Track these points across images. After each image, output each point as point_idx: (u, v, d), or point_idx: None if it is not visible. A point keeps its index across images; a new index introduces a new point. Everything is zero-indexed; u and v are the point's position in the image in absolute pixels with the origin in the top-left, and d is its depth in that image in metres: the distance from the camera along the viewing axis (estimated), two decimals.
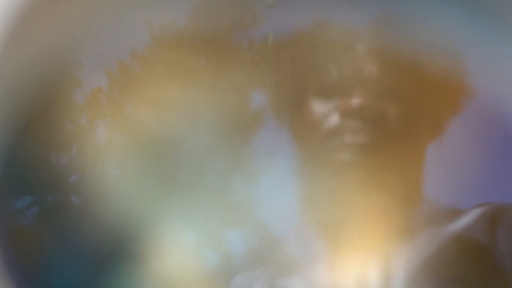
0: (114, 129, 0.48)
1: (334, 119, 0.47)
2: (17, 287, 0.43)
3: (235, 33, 0.49)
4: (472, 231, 0.45)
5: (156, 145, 0.47)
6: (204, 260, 0.47)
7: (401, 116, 0.47)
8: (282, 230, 0.48)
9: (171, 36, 0.48)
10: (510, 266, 0.44)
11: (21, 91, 0.45)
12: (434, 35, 0.47)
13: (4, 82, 0.44)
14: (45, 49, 0.45)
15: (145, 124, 0.48)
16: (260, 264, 0.47)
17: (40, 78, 0.46)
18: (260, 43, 0.49)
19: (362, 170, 0.47)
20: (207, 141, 0.48)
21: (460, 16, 0.47)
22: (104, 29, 0.47)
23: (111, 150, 0.47)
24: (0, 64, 0.43)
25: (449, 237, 0.45)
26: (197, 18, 0.48)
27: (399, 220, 0.47)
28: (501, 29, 0.46)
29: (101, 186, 0.46)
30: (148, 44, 0.48)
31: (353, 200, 0.47)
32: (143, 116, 0.48)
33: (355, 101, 0.47)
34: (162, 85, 0.48)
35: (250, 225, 0.47)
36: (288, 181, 0.48)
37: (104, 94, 0.48)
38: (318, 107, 0.48)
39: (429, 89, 0.48)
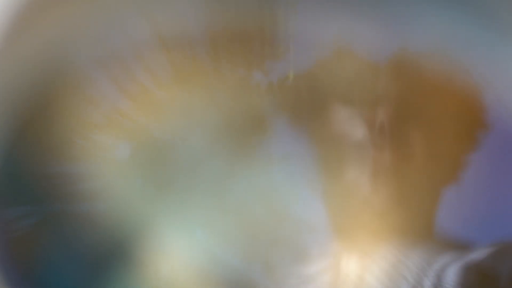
0: (111, 131, 0.48)
1: (359, 134, 0.47)
2: None
3: (239, 37, 0.49)
4: (492, 262, 0.45)
5: (153, 147, 0.47)
6: (201, 262, 0.46)
7: (426, 142, 0.47)
8: (281, 232, 0.47)
9: (171, 38, 0.48)
10: None
11: (18, 93, 0.45)
12: (432, 39, 0.47)
13: (2, 82, 0.44)
14: (43, 50, 0.46)
15: (143, 126, 0.48)
16: (258, 266, 0.46)
17: (38, 79, 0.46)
18: (262, 44, 0.49)
19: (381, 199, 0.47)
20: (205, 143, 0.47)
21: (460, 20, 0.46)
22: (103, 30, 0.47)
23: (108, 151, 0.47)
24: None
25: (467, 266, 0.45)
26: (198, 20, 0.48)
27: (417, 244, 0.47)
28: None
29: (98, 188, 0.46)
30: (148, 45, 0.48)
31: (362, 216, 0.47)
32: (141, 117, 0.48)
33: (383, 116, 0.47)
34: (161, 87, 0.48)
35: (249, 227, 0.47)
36: (287, 184, 0.48)
37: (102, 95, 0.48)
38: (341, 120, 0.48)
39: (451, 117, 0.48)
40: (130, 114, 0.47)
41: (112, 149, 0.47)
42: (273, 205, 0.47)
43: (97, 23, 0.47)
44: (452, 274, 0.44)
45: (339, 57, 0.49)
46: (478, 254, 0.46)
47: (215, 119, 0.47)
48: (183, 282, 0.46)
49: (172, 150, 0.47)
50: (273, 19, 0.48)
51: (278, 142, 0.48)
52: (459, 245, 0.47)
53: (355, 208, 0.47)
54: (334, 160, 0.48)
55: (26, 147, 0.46)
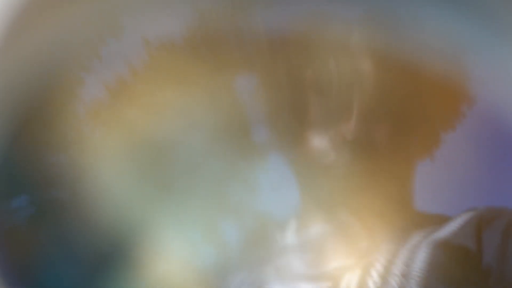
0: (110, 132, 0.47)
1: (334, 136, 0.48)
2: None
3: (230, 34, 0.48)
4: (459, 237, 0.46)
5: (151, 149, 0.47)
6: (199, 264, 0.47)
7: (394, 132, 0.48)
8: (279, 234, 0.48)
9: (167, 39, 0.48)
10: (496, 269, 0.45)
11: (16, 92, 0.44)
12: (430, 39, 0.46)
13: (1, 81, 0.43)
14: (40, 51, 0.45)
15: (140, 127, 0.47)
16: (256, 268, 0.47)
17: (35, 80, 0.46)
18: (255, 43, 0.48)
19: (358, 177, 0.48)
20: (203, 145, 0.48)
21: (460, 19, 0.45)
22: (99, 33, 0.47)
23: (106, 153, 0.47)
24: None
25: (436, 243, 0.46)
26: (192, 21, 0.47)
27: (392, 224, 0.48)
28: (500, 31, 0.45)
29: (97, 189, 0.46)
30: (144, 47, 0.48)
31: (348, 204, 0.48)
32: (138, 119, 0.47)
33: (352, 118, 0.47)
34: (158, 89, 0.47)
35: (247, 229, 0.48)
36: (285, 186, 0.48)
37: (99, 97, 0.48)
38: (319, 119, 0.48)
39: (424, 99, 0.48)
40: (129, 116, 0.47)
41: (110, 150, 0.47)
42: (272, 206, 0.48)
43: (92, 26, 0.46)
44: (422, 255, 0.46)
45: (315, 25, 0.48)
46: (447, 230, 0.47)
47: (213, 120, 0.47)
48: (180, 282, 0.46)
49: (171, 152, 0.47)
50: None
51: (277, 143, 0.49)
52: (432, 220, 0.48)
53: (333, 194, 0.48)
54: (319, 156, 0.49)
55: (25, 146, 0.46)
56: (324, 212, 0.48)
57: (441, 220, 0.48)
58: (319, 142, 0.48)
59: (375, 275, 0.45)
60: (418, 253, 0.45)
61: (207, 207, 0.47)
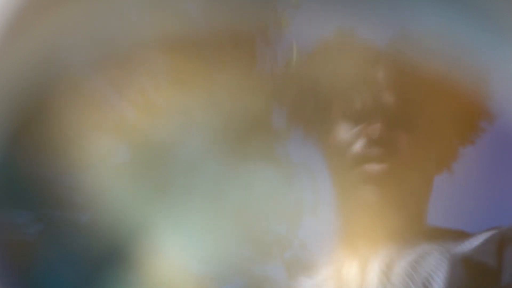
0: (108, 134, 0.47)
1: (356, 148, 0.48)
2: None
3: (236, 37, 0.48)
4: (480, 254, 0.45)
5: (150, 150, 0.47)
6: (198, 265, 0.47)
7: (413, 144, 0.48)
8: (277, 236, 0.48)
9: (167, 39, 0.48)
10: None
11: (16, 95, 0.45)
12: (454, 51, 0.47)
13: (1, 83, 0.44)
14: (38, 53, 0.45)
15: (140, 128, 0.47)
16: (254, 269, 0.47)
17: (33, 81, 0.45)
18: (279, 53, 0.49)
19: (374, 187, 0.48)
20: (202, 146, 0.47)
21: (483, 35, 0.45)
22: (98, 32, 0.47)
23: (104, 154, 0.47)
24: None
25: (456, 259, 0.45)
26: (194, 21, 0.48)
27: (408, 238, 0.48)
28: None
29: (95, 190, 0.46)
30: (143, 47, 0.48)
31: (362, 216, 0.48)
32: (138, 120, 0.47)
33: (375, 130, 0.48)
34: (158, 90, 0.48)
35: (245, 231, 0.47)
36: (284, 188, 0.48)
37: (100, 97, 0.48)
38: (342, 131, 0.49)
39: (445, 112, 0.48)
40: (129, 116, 0.47)
41: (110, 151, 0.47)
42: (271, 207, 0.48)
43: (95, 25, 0.46)
44: (441, 268, 0.45)
45: (339, 48, 0.48)
46: (467, 246, 0.46)
47: (213, 121, 0.47)
48: (179, 284, 0.46)
49: (169, 153, 0.47)
50: (273, 14, 0.48)
51: (277, 144, 0.49)
52: (450, 235, 0.48)
53: (354, 208, 0.48)
54: (333, 162, 0.49)
55: (24, 148, 0.46)
56: (331, 215, 0.48)
57: (456, 235, 0.47)
58: (340, 147, 0.49)
59: (378, 273, 0.45)
60: (428, 259, 0.45)
61: (205, 209, 0.47)
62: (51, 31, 0.45)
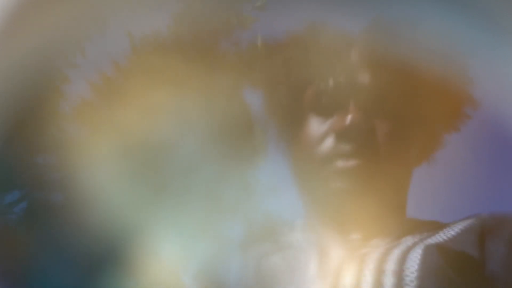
0: (104, 135, 0.47)
1: (328, 142, 0.47)
2: None
3: (223, 37, 0.48)
4: (459, 243, 0.45)
5: (146, 151, 0.47)
6: (194, 266, 0.47)
7: (393, 135, 0.47)
8: (275, 237, 0.48)
9: (159, 41, 0.48)
10: (502, 276, 0.44)
11: (8, 93, 0.45)
12: (431, 41, 0.46)
13: None
14: (30, 55, 0.45)
15: (135, 130, 0.47)
16: (252, 269, 0.47)
17: (27, 81, 0.45)
18: (250, 47, 0.48)
19: (357, 180, 0.47)
20: (198, 147, 0.47)
21: (459, 21, 0.45)
22: (92, 35, 0.47)
23: (100, 155, 0.47)
24: None
25: (431, 246, 0.45)
26: (183, 23, 0.48)
27: (386, 226, 0.48)
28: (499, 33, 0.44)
29: (91, 191, 0.46)
30: (136, 49, 0.48)
31: (346, 207, 0.48)
32: (133, 122, 0.47)
33: (349, 120, 0.47)
34: (151, 91, 0.47)
35: (241, 232, 0.48)
36: (280, 188, 0.48)
37: (94, 99, 0.48)
38: (315, 126, 0.48)
39: (424, 102, 0.48)
40: (125, 118, 0.47)
41: (104, 152, 0.47)
42: (267, 208, 0.48)
43: (90, 26, 0.46)
44: (415, 257, 0.45)
45: (313, 30, 0.48)
46: (443, 236, 0.46)
47: (209, 123, 0.47)
48: (175, 284, 0.46)
49: (165, 154, 0.47)
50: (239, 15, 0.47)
51: (270, 145, 0.49)
52: (427, 226, 0.48)
53: (336, 205, 0.48)
54: (307, 159, 0.49)
55: (16, 148, 0.46)
56: (321, 213, 0.49)
57: (437, 226, 0.47)
58: (317, 142, 0.48)
59: (367, 273, 0.45)
60: (411, 254, 0.45)
61: (201, 209, 0.47)
62: (46, 32, 0.45)
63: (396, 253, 0.45)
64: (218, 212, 0.47)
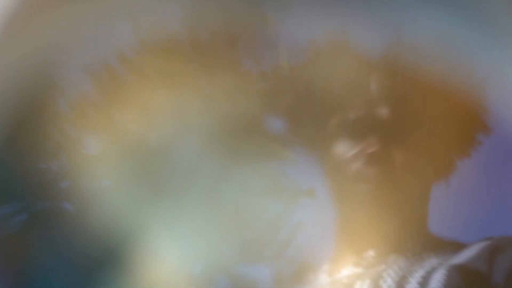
0: (103, 136, 0.47)
1: (355, 157, 0.48)
2: None
3: (229, 40, 0.48)
4: (474, 262, 0.46)
5: (145, 152, 0.47)
6: (193, 269, 0.47)
7: (414, 153, 0.48)
8: (274, 238, 0.48)
9: (160, 42, 0.48)
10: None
11: (8, 97, 0.45)
12: (454, 57, 0.47)
13: None
14: (32, 55, 0.45)
15: (134, 131, 0.47)
16: (248, 273, 0.47)
17: (27, 84, 0.45)
18: (272, 65, 0.49)
19: (375, 196, 0.48)
20: (198, 148, 0.47)
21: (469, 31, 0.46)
22: (91, 35, 0.47)
23: (100, 157, 0.47)
24: None
25: (453, 267, 0.46)
26: (187, 24, 0.48)
27: (410, 245, 0.48)
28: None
29: (90, 193, 0.46)
30: (137, 50, 0.48)
31: (368, 221, 0.48)
32: (132, 123, 0.47)
33: (373, 140, 0.48)
34: (152, 92, 0.47)
35: (240, 233, 0.47)
36: (279, 189, 0.48)
37: (93, 100, 0.48)
38: (340, 145, 0.49)
39: (442, 122, 0.49)
40: (122, 119, 0.47)
41: (103, 154, 0.47)
42: (265, 210, 0.48)
43: (89, 28, 0.46)
44: (438, 277, 0.45)
45: (333, 52, 0.48)
46: (463, 257, 0.47)
47: (208, 124, 0.47)
48: (173, 286, 0.46)
49: (164, 155, 0.47)
50: (264, 19, 0.48)
51: (272, 146, 0.49)
52: (447, 246, 0.48)
53: (351, 213, 0.48)
54: (328, 164, 0.49)
55: (15, 151, 0.46)
56: (329, 223, 0.49)
57: (456, 246, 0.48)
58: (338, 158, 0.49)
59: None
60: (435, 274, 0.45)
61: (200, 212, 0.47)
62: (45, 34, 0.45)
63: (420, 272, 0.46)
64: (218, 213, 0.47)
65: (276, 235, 0.48)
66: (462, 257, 0.47)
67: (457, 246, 0.48)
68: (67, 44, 0.46)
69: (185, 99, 0.47)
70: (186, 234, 0.47)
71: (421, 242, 0.48)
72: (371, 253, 0.47)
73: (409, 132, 0.48)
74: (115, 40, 0.47)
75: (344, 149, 0.49)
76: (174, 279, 0.46)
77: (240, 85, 0.48)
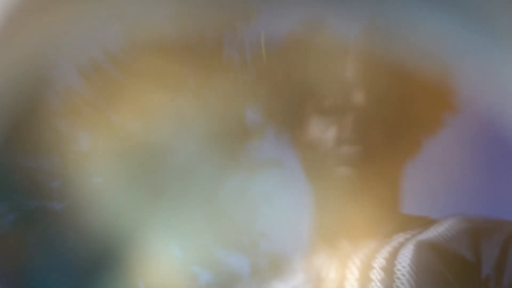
0: (101, 137, 0.47)
1: (328, 145, 0.49)
2: None
3: (222, 38, 0.49)
4: (454, 244, 0.46)
5: (143, 153, 0.47)
6: (190, 269, 0.47)
7: (387, 135, 0.49)
8: (272, 238, 0.49)
9: (157, 43, 0.48)
10: (495, 279, 0.45)
11: (6, 95, 0.45)
12: (425, 43, 0.47)
13: None
14: (26, 56, 0.45)
15: (132, 132, 0.47)
16: (247, 271, 0.48)
17: (21, 84, 0.45)
18: (250, 49, 0.49)
19: (352, 183, 0.48)
20: (195, 149, 0.48)
21: (454, 24, 0.46)
22: (85, 36, 0.47)
23: (98, 158, 0.47)
24: None
25: (423, 244, 0.46)
26: (182, 24, 0.48)
27: (379, 225, 0.49)
28: (495, 36, 0.45)
29: (88, 194, 0.46)
30: (133, 51, 0.48)
31: (343, 208, 0.48)
32: (130, 124, 0.47)
33: (347, 125, 0.49)
34: (149, 93, 0.47)
35: (239, 234, 0.48)
36: (278, 190, 0.49)
37: (90, 102, 0.48)
38: (315, 126, 0.50)
39: (416, 103, 0.49)
40: (122, 121, 0.47)
41: (102, 155, 0.47)
42: (263, 211, 0.48)
43: (87, 29, 0.46)
44: (406, 252, 0.46)
45: (309, 38, 0.49)
46: (433, 232, 0.47)
47: (206, 126, 0.47)
48: (173, 286, 0.46)
49: (162, 157, 0.47)
50: (247, 12, 0.48)
51: (266, 147, 0.49)
52: (415, 222, 0.49)
53: (325, 199, 0.49)
54: (307, 159, 0.49)
55: (13, 151, 0.46)
56: (315, 213, 0.49)
57: (427, 222, 0.48)
58: (317, 144, 0.49)
59: (355, 270, 0.46)
60: (402, 250, 0.46)
61: (198, 213, 0.47)
62: (43, 35, 0.45)
63: (386, 250, 0.46)
64: (216, 215, 0.47)
65: (272, 235, 0.48)
66: (431, 233, 0.47)
67: (425, 221, 0.48)
68: (61, 45, 0.46)
69: (182, 99, 0.48)
70: (184, 234, 0.47)
71: (393, 223, 0.49)
72: (344, 240, 0.48)
73: (382, 116, 0.49)
74: (107, 41, 0.47)
75: (318, 131, 0.49)
76: (171, 278, 0.46)
77: (229, 79, 0.48)
